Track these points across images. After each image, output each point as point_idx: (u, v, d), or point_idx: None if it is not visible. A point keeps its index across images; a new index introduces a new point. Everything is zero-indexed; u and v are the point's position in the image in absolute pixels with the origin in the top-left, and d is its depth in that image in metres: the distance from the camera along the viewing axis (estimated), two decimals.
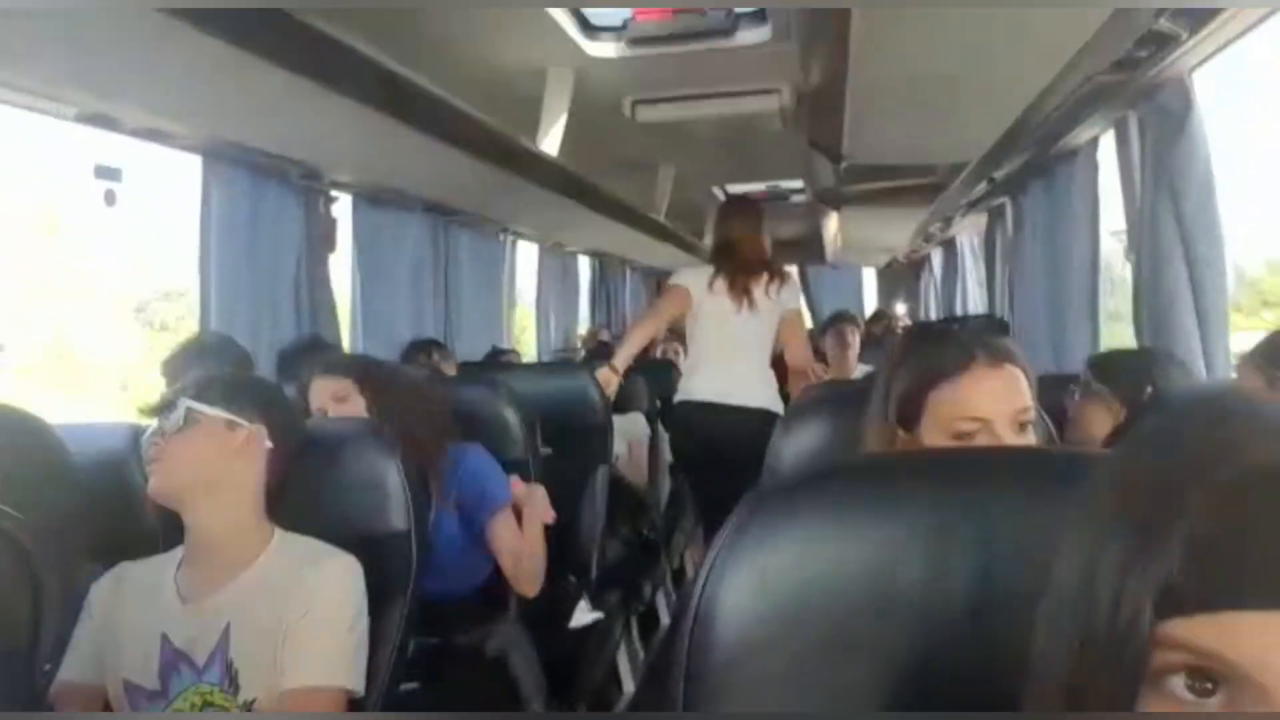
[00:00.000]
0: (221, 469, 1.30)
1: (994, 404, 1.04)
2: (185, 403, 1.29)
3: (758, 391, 2.85)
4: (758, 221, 3.00)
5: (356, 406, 1.76)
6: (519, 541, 1.88)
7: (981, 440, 1.04)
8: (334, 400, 1.76)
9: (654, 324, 3.08)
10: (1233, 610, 0.37)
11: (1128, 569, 0.39)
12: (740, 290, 2.86)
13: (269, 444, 1.34)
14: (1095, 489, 0.45)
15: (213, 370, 1.75)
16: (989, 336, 1.11)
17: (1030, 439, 1.06)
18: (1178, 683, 0.39)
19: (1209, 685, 0.38)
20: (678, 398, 3.01)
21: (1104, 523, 0.42)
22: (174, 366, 2.06)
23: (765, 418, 2.70)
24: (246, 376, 1.47)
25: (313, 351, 2.39)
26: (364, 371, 1.82)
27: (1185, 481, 0.39)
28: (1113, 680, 0.40)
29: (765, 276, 2.89)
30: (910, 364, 1.12)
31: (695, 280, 2.92)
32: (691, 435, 2.96)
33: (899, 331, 5.01)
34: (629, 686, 2.80)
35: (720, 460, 2.70)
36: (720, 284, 2.88)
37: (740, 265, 2.89)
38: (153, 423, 1.32)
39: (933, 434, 1.09)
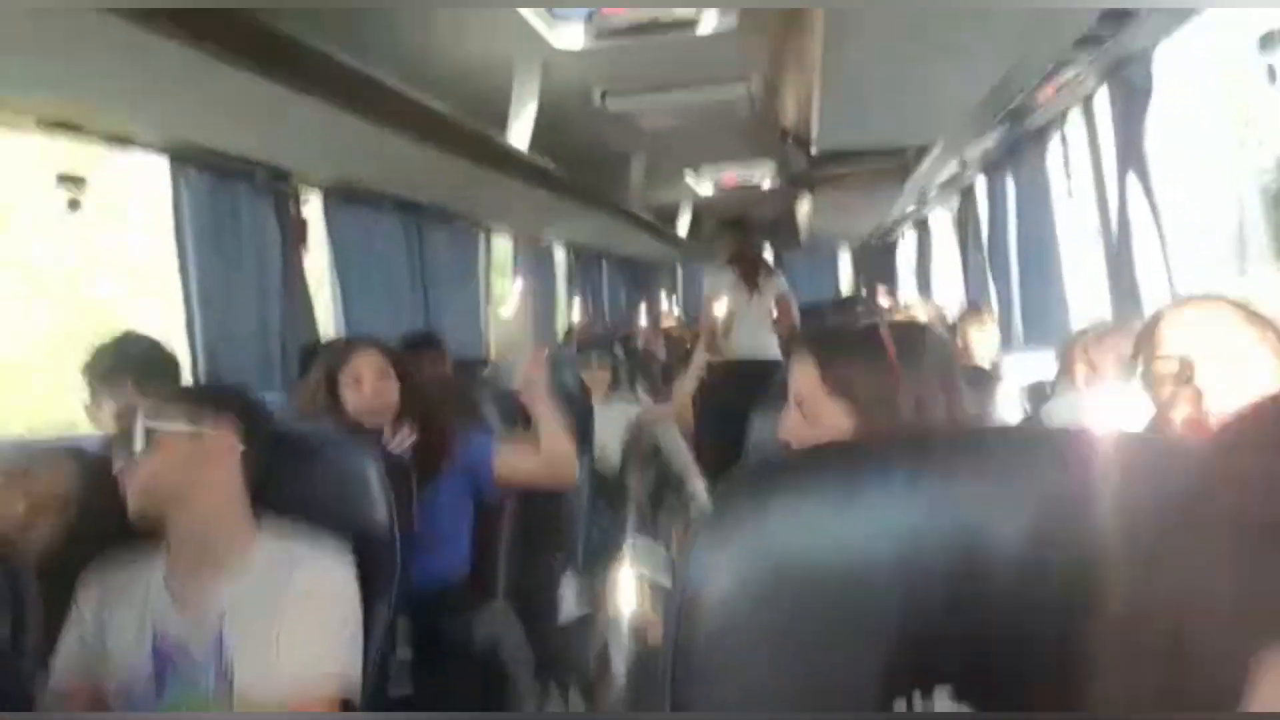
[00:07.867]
0: (193, 478, 1.29)
1: (790, 386, 1.19)
2: (141, 425, 1.28)
3: None
4: None
5: (392, 387, 1.85)
6: (529, 454, 1.95)
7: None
8: (377, 375, 1.84)
9: None
10: None
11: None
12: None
13: (240, 446, 1.34)
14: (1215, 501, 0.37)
15: (138, 375, 1.79)
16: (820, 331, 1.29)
17: (801, 418, 1.14)
18: None
19: None
20: None
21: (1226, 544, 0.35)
22: (98, 370, 1.90)
23: None
24: (202, 385, 1.44)
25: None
26: (396, 354, 1.93)
27: None
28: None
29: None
30: None
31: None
32: None
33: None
34: (618, 667, 2.82)
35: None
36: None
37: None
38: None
39: None
